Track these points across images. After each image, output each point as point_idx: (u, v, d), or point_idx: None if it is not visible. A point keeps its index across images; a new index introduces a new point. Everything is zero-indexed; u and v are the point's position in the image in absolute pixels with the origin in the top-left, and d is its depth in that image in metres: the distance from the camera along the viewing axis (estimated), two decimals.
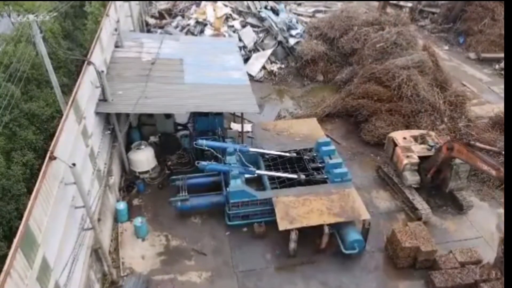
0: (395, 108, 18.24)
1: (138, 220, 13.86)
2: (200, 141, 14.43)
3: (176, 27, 27.62)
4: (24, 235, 7.55)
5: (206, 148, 14.47)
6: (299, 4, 33.35)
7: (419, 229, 13.13)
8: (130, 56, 18.06)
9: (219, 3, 29.09)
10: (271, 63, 25.13)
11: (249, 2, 28.40)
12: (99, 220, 12.54)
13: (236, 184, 13.52)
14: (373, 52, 20.17)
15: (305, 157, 15.43)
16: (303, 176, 14.45)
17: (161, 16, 31.10)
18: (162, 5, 31.56)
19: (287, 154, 15.51)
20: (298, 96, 22.77)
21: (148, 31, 28.04)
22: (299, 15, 30.42)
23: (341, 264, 13.20)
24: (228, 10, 27.86)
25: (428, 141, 15.63)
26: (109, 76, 15.98)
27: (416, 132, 16.44)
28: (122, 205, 14.36)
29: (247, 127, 17.96)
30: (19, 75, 13.94)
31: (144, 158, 16.08)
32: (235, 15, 28.10)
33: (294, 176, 14.47)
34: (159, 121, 18.09)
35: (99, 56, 15.51)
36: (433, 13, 31.91)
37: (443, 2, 31.46)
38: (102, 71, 13.87)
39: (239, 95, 16.24)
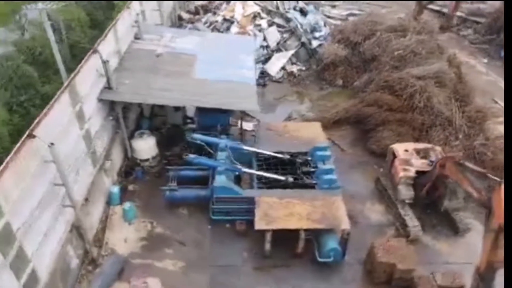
0: (405, 119, 17.53)
1: (127, 205, 14.49)
2: (194, 135, 14.77)
3: (205, 23, 28.25)
4: None
5: (199, 142, 14.77)
6: (334, 6, 32.85)
7: (400, 245, 12.61)
8: (145, 48, 18.74)
9: (250, 2, 29.38)
10: (292, 64, 25.00)
11: (278, 1, 28.43)
12: (86, 199, 13.28)
13: (220, 180, 13.72)
14: (391, 60, 19.48)
15: (298, 160, 15.29)
16: (291, 179, 14.36)
17: (196, 11, 31.95)
18: (200, 1, 32.38)
19: (280, 156, 15.45)
20: (314, 99, 22.50)
21: (180, 26, 28.86)
22: (331, 17, 29.98)
23: (317, 272, 13.00)
24: (257, 9, 28.05)
25: (431, 156, 14.89)
26: (121, 66, 16.76)
27: (421, 145, 15.72)
28: (115, 189, 15.06)
29: (250, 125, 18.05)
30: (41, 60, 15.04)
31: (145, 147, 16.71)
32: (263, 14, 28.24)
33: (282, 178, 14.40)
34: (169, 112, 18.69)
35: (112, 45, 16.28)
36: (478, 23, 30.12)
37: (489, 11, 29.62)
38: (107, 60, 14.57)
39: (241, 94, 16.39)
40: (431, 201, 14.40)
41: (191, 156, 14.06)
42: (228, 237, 14.09)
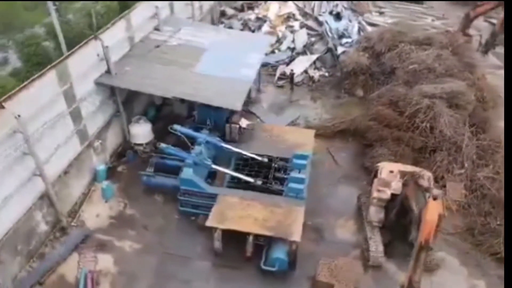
0: (403, 138, 16.41)
1: (105, 183, 15.46)
2: (175, 126, 15.27)
3: (240, 20, 28.68)
4: None
5: (179, 134, 15.23)
6: (381, 13, 31.43)
7: (350, 267, 11.99)
8: (160, 39, 19.63)
9: (289, 2, 29.24)
10: (315, 69, 24.49)
11: (316, 3, 27.92)
12: (66, 173, 14.43)
13: (187, 172, 14.07)
14: (404, 74, 18.28)
15: (274, 165, 15.11)
16: (259, 182, 14.26)
17: (242, 8, 32.43)
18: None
19: (259, 158, 15.38)
20: (328, 107, 21.85)
21: (222, 22, 29.47)
22: (374, 25, 28.72)
23: (262, 280, 12.80)
24: (292, 10, 27.84)
25: (409, 179, 13.86)
26: (129, 54, 17.75)
27: (409, 168, 14.60)
28: (101, 167, 16.10)
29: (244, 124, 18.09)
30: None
31: (140, 132, 17.58)
32: (298, 16, 27.95)
33: (251, 179, 14.36)
34: (175, 103, 19.47)
35: (122, 33, 17.29)
36: None
37: None
38: (107, 46, 15.57)
39: (232, 91, 16.54)
40: (403, 228, 13.41)
41: (163, 145, 14.56)
42: (190, 229, 14.41)
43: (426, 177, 13.97)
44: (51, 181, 13.48)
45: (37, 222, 13.33)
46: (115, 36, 16.72)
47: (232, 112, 17.03)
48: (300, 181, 14.04)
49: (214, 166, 14.53)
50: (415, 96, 16.56)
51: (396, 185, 13.63)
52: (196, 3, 26.05)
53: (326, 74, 24.18)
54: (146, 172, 15.49)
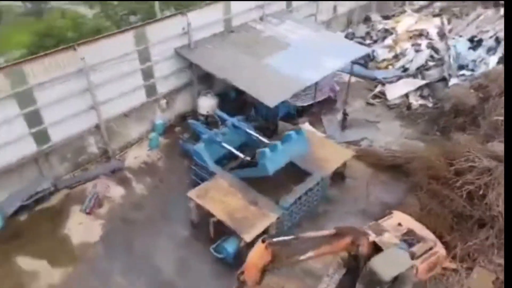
0: (440, 195, 13.80)
1: (153, 134, 18.29)
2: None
3: (369, 27, 27.44)
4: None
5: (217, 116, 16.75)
6: None
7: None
8: (257, 28, 20.98)
9: (435, 19, 26.41)
10: (420, 96, 21.90)
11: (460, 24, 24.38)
12: (126, 116, 17.77)
13: (199, 146, 15.48)
14: (486, 124, 14.94)
15: None
16: (247, 158, 14.46)
17: (388, 16, 30.88)
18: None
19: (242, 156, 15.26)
20: (407, 139, 19.57)
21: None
22: None
23: (216, 263, 13.39)
24: (428, 27, 25.08)
25: (414, 241, 11.94)
26: (218, 34, 19.81)
27: (424, 230, 12.47)
28: (159, 121, 19.00)
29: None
30: None
31: (205, 104, 19.72)
32: (433, 35, 25.02)
33: (241, 155, 14.71)
34: None
35: (217, 15, 19.45)
36: None
37: None
38: (190, 23, 17.96)
39: (279, 89, 16.86)
40: None
41: (191, 121, 16.29)
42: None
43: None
44: (107, 118, 16.89)
45: (89, 144, 17.06)
46: (208, 16, 18.97)
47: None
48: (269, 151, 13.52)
49: (224, 145, 15.33)
50: (476, 152, 13.54)
51: (387, 237, 11.96)
52: (327, 3, 26.23)
53: (430, 104, 21.36)
54: (183, 137, 17.57)
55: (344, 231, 9.78)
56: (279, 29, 21.31)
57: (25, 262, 13.37)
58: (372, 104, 22.06)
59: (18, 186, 15.09)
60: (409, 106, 21.32)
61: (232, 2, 19.92)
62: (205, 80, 19.95)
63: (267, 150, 13.52)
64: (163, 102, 19.06)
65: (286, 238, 9.08)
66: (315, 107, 21.18)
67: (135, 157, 17.90)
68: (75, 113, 15.84)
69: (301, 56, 19.07)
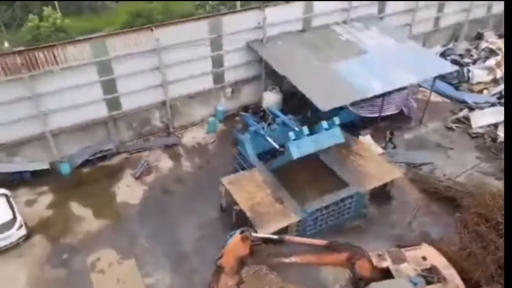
0: (492, 240, 12.02)
1: (212, 119, 19.27)
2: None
3: (471, 45, 24.76)
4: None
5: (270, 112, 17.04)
6: None
7: None
8: (336, 30, 20.53)
9: None
10: None
11: None
12: (191, 97, 19.07)
13: (244, 136, 15.90)
14: None
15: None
16: (282, 149, 14.63)
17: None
18: None
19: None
20: (479, 172, 17.37)
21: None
22: None
23: None
24: None
25: (433, 279, 10.82)
26: (294, 32, 19.90)
27: (449, 272, 11.15)
28: (220, 108, 19.92)
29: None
30: None
31: (268, 99, 20.12)
32: None
33: (276, 145, 14.98)
34: None
35: (296, 13, 19.59)
36: None
37: None
38: (265, 18, 18.38)
39: (337, 95, 16.39)
40: None
41: (243, 113, 16.81)
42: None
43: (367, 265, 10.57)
44: (173, 97, 18.32)
45: (154, 117, 18.72)
46: (286, 14, 19.22)
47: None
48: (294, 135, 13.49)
49: (267, 138, 15.48)
50: None
51: (405, 267, 11.03)
52: (427, 13, 24.43)
53: None
54: (237, 127, 18.21)
55: (338, 246, 9.27)
56: (360, 35, 20.55)
57: (76, 208, 15.36)
58: (451, 129, 19.97)
59: (88, 143, 17.31)
60: (494, 138, 18.80)
61: (315, 2, 19.78)
62: (274, 76, 20.13)
63: (292, 133, 13.57)
64: (228, 90, 19.92)
65: (268, 236, 8.96)
66: (384, 121, 19.95)
67: (192, 137, 19.09)
68: (145, 88, 17.52)
69: (373, 66, 18.18)
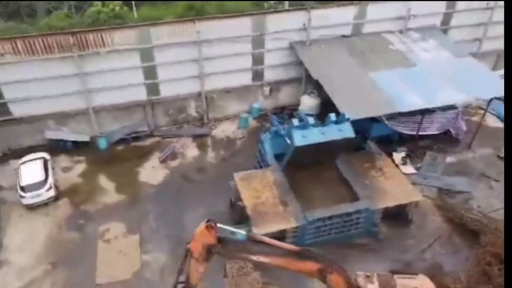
0: (499, 284, 10.68)
1: (244, 115, 19.54)
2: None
3: None
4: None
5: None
6: None
7: None
8: (388, 39, 19.47)
9: None
10: None
11: None
12: (228, 92, 19.52)
13: (265, 136, 15.90)
14: None
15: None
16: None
17: None
18: None
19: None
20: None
21: None
22: None
23: None
24: None
25: None
26: (341, 36, 19.30)
27: None
28: (256, 105, 20.10)
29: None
30: None
31: (306, 102, 19.82)
32: None
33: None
34: None
35: (346, 17, 19.03)
36: None
37: None
38: (310, 19, 18.11)
39: (367, 105, 15.67)
40: None
41: (272, 115, 16.89)
42: None
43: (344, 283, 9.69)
44: (210, 89, 18.92)
45: (191, 107, 19.50)
46: (335, 17, 18.78)
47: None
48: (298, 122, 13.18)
49: (286, 139, 15.23)
50: None
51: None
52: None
53: None
54: (266, 126, 18.26)
55: (309, 255, 8.90)
56: (414, 46, 19.33)
57: (103, 180, 16.65)
58: (503, 159, 17.93)
59: (126, 123, 18.60)
60: None
61: (370, 8, 19.02)
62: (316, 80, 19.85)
63: (296, 119, 13.34)
64: (266, 89, 20.00)
65: (234, 230, 8.88)
66: (425, 140, 18.55)
67: (223, 130, 19.54)
68: (183, 77, 18.32)
69: (418, 79, 17.03)
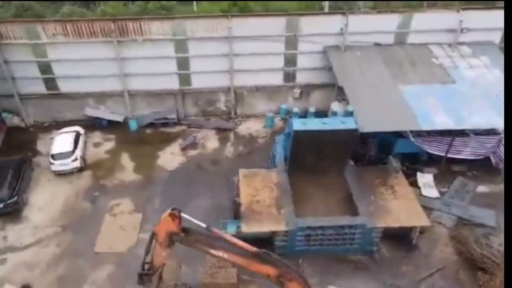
0: None
1: (270, 115, 19.58)
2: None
3: None
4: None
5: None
6: None
7: None
8: (434, 52, 18.22)
9: None
10: None
11: None
12: (257, 90, 19.70)
13: (278, 137, 15.91)
14: None
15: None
16: None
17: None
18: None
19: None
20: None
21: None
22: None
23: None
24: None
25: None
26: (379, 44, 18.44)
27: None
28: (284, 106, 20.03)
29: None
30: None
31: (333, 108, 19.27)
32: None
33: None
34: None
35: (389, 26, 18.18)
36: None
37: None
38: (346, 24, 17.56)
39: (392, 118, 14.90)
40: None
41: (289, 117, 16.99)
42: None
43: None
44: (239, 85, 19.26)
45: (219, 100, 20.01)
46: (377, 24, 18.05)
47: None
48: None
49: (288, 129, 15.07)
50: None
51: None
52: None
53: None
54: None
55: (267, 259, 8.78)
56: (461, 61, 17.92)
57: (125, 159, 17.81)
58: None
59: (157, 109, 19.62)
60: None
61: (416, 17, 17.99)
62: None
63: (297, 109, 14.14)
64: (297, 91, 19.83)
65: (196, 222, 8.98)
66: (461, 165, 17.08)
67: (248, 127, 19.75)
68: (214, 71, 18.85)
69: (452, 98, 15.84)
